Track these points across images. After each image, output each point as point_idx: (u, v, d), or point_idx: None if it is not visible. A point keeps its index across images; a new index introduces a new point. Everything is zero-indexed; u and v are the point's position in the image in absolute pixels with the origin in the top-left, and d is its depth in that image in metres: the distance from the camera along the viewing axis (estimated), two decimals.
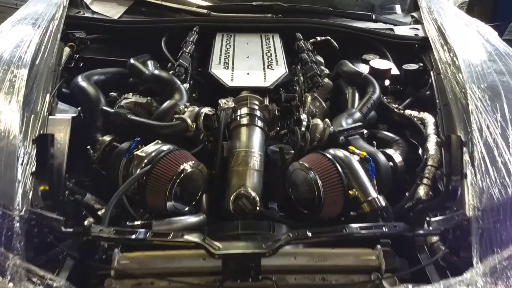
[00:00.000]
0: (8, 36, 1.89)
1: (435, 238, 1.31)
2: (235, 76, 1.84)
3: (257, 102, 1.69)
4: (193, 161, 1.42)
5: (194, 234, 1.16)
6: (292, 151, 1.54)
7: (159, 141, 1.47)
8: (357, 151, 1.47)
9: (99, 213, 1.39)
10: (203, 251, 1.13)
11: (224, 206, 1.40)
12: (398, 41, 2.20)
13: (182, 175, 1.37)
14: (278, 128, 1.71)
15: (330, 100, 1.94)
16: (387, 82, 2.01)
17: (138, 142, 1.47)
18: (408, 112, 1.81)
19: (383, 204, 1.33)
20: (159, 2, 2.32)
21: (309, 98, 1.83)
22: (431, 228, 1.25)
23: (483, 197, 1.27)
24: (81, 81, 1.79)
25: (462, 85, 1.65)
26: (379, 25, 2.31)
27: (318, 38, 2.17)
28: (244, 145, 1.52)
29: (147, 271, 1.15)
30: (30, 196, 1.26)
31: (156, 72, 1.87)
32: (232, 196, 1.36)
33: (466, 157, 1.38)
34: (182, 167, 1.38)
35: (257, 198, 1.36)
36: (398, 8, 2.61)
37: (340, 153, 1.44)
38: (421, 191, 1.44)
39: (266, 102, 1.72)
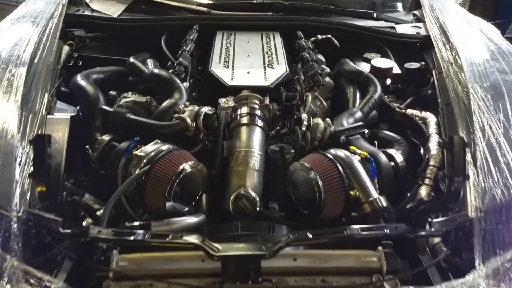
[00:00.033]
0: (7, 34, 1.88)
1: (437, 240, 1.30)
2: (235, 75, 1.82)
3: (257, 102, 1.68)
4: (192, 161, 1.41)
5: (193, 236, 1.15)
6: (293, 151, 1.53)
7: (159, 141, 1.46)
8: (358, 151, 1.46)
9: (98, 213, 1.39)
10: (202, 252, 1.11)
11: (224, 206, 1.39)
12: (399, 40, 2.18)
13: (181, 175, 1.36)
14: (278, 128, 1.69)
15: (331, 99, 1.93)
16: (388, 81, 1.99)
17: (137, 142, 1.45)
18: (409, 111, 1.80)
19: (385, 204, 1.32)
20: (159, 0, 2.31)
21: (310, 97, 1.82)
22: (433, 229, 1.24)
23: (486, 198, 1.26)
24: (80, 80, 1.77)
25: (464, 84, 1.63)
26: (381, 23, 2.30)
27: (319, 37, 2.16)
28: (244, 145, 1.51)
29: (146, 272, 1.14)
30: (28, 197, 1.25)
31: (156, 70, 1.86)
32: (232, 197, 1.35)
33: (468, 158, 1.36)
34: (181, 167, 1.37)
35: (257, 199, 1.35)
36: (399, 6, 2.60)
37: (341, 153, 1.43)
38: (423, 191, 1.43)
39: (267, 101, 1.71)
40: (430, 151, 1.52)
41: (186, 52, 1.95)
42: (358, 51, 2.16)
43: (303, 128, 1.56)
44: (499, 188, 1.27)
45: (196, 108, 1.58)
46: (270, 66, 1.90)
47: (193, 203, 1.43)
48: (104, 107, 1.65)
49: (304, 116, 1.60)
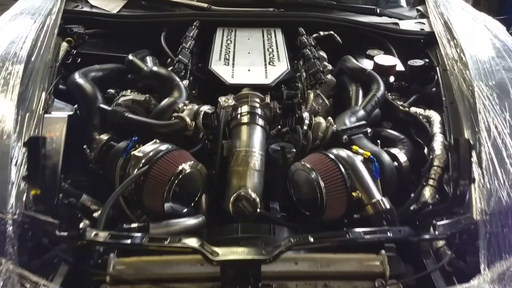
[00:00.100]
0: (4, 31, 1.85)
1: (441, 243, 1.27)
2: (235, 73, 1.79)
3: (258, 100, 1.66)
4: (192, 161, 1.39)
5: (191, 239, 1.13)
6: (294, 150, 1.51)
7: (157, 140, 1.44)
8: (360, 151, 1.43)
9: (95, 214, 1.36)
10: (201, 256, 1.09)
11: (224, 206, 1.37)
12: (403, 36, 2.15)
13: (180, 176, 1.33)
14: (279, 126, 1.66)
15: (333, 97, 1.89)
16: (391, 79, 1.96)
17: (136, 142, 1.43)
18: (413, 109, 1.77)
19: (388, 206, 1.29)
20: None
21: (311, 95, 1.79)
22: (437, 232, 1.22)
23: (491, 200, 1.23)
24: (77, 78, 1.74)
25: (469, 82, 1.61)
26: (384, 19, 2.26)
27: (321, 33, 2.13)
28: (244, 145, 1.48)
29: (143, 276, 1.12)
30: (24, 199, 1.23)
31: (155, 68, 1.83)
32: (232, 198, 1.33)
33: (473, 159, 1.34)
34: (180, 167, 1.34)
35: (258, 200, 1.33)
36: (403, 1, 2.56)
37: (343, 153, 1.40)
38: (427, 192, 1.41)
39: (267, 99, 1.68)
40: (434, 151, 1.50)
41: (186, 49, 1.92)
42: (361, 47, 2.13)
43: (305, 127, 1.53)
44: (505, 190, 1.24)
45: (196, 107, 1.56)
46: (271, 63, 1.87)
47: (193, 204, 1.40)
48: (102, 105, 1.62)
49: (306, 114, 1.57)
